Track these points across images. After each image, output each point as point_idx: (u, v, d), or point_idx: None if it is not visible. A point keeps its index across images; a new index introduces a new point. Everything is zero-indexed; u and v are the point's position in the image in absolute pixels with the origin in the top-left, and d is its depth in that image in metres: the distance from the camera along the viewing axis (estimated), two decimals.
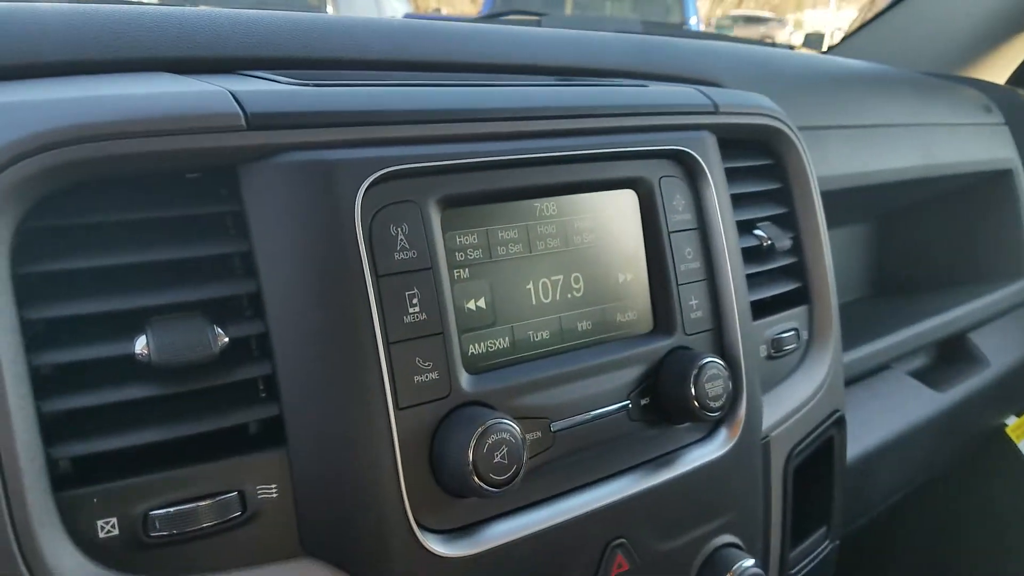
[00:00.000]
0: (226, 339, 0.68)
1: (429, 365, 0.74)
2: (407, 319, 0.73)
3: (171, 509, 0.65)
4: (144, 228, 0.67)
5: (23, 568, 0.59)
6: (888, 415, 1.56)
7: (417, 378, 0.73)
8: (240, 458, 0.69)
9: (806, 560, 1.16)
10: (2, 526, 0.59)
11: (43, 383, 0.63)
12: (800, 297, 1.16)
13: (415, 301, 0.74)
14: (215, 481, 0.67)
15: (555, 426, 0.81)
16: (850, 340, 1.65)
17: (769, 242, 1.10)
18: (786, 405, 1.09)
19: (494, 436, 0.72)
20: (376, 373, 0.70)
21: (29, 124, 0.61)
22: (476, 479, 0.72)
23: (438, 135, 0.77)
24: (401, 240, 0.74)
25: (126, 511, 0.64)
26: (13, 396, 0.60)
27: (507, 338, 0.81)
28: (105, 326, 0.65)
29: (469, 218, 0.80)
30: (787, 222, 1.16)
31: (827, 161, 1.50)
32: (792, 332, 1.12)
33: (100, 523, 0.64)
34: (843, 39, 2.29)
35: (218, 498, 0.67)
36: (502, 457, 0.73)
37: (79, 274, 0.65)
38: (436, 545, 0.73)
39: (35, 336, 0.63)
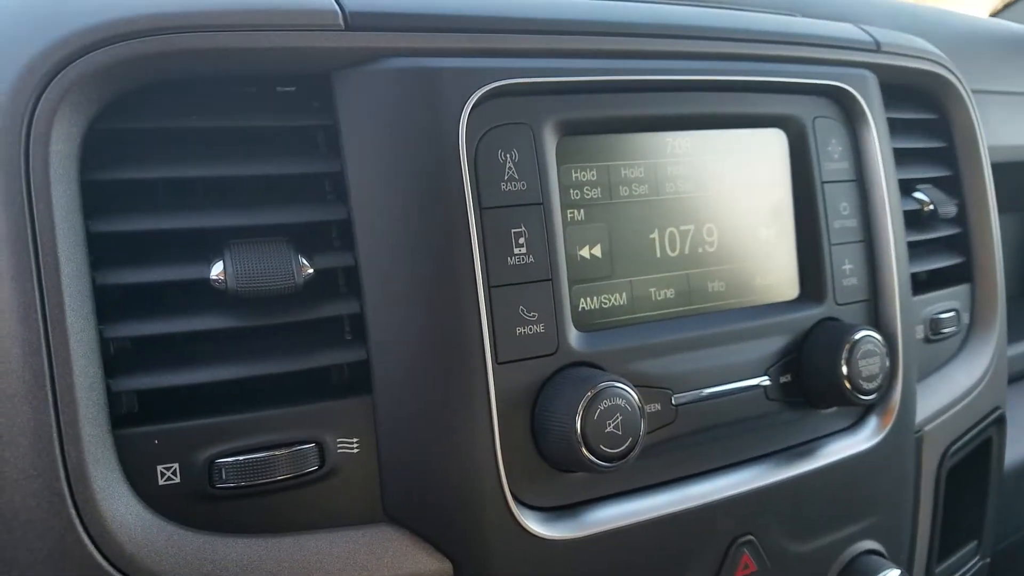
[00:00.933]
0: (311, 270, 0.60)
1: (535, 316, 0.64)
2: (512, 261, 0.64)
3: (240, 457, 0.58)
4: (226, 139, 0.60)
5: (73, 512, 0.53)
6: None
7: (520, 330, 0.64)
8: (320, 405, 0.61)
9: None
10: (52, 463, 0.52)
11: (107, 305, 0.56)
12: (962, 274, 1.02)
13: (522, 241, 0.64)
14: (291, 430, 0.60)
15: (677, 399, 0.71)
16: (1011, 332, 1.48)
17: (931, 207, 0.96)
18: (943, 396, 0.95)
19: (607, 401, 0.62)
20: (475, 320, 0.61)
21: (104, 10, 0.54)
22: (584, 450, 0.62)
23: (559, 48, 0.67)
24: (510, 168, 0.64)
25: (190, 456, 0.57)
26: (73, 317, 0.53)
27: (625, 294, 0.71)
28: (179, 246, 0.58)
29: (588, 150, 0.69)
30: (951, 187, 1.01)
31: (990, 130, 1.33)
32: (952, 313, 0.98)
33: (161, 468, 0.57)
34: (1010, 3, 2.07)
35: (294, 448, 0.59)
36: (616, 427, 0.62)
37: (152, 185, 0.58)
38: (535, 524, 0.64)
39: (101, 252, 0.56)
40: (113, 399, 0.56)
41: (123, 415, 0.57)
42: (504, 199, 0.64)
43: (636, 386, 0.67)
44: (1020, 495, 1.26)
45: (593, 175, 0.70)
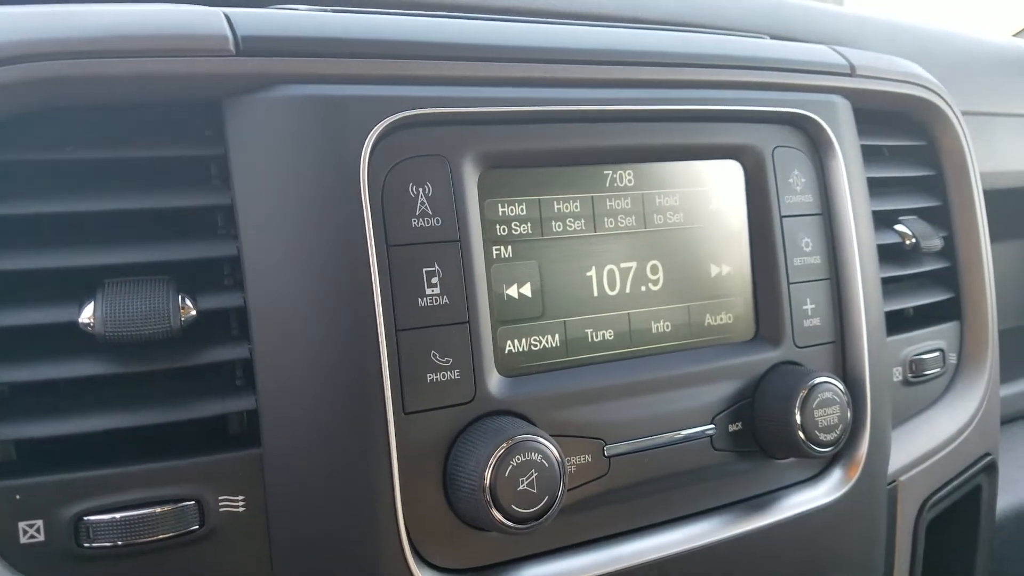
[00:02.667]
0: (193, 311, 0.54)
1: (448, 361, 0.58)
2: (423, 302, 0.58)
3: (111, 515, 0.52)
4: (107, 171, 0.55)
5: None
6: None
7: (432, 376, 0.58)
8: (202, 459, 0.55)
9: None
10: None
11: None
12: (950, 311, 0.93)
13: (435, 280, 0.58)
14: (169, 485, 0.54)
15: (611, 449, 0.64)
16: (1010, 371, 1.38)
17: (913, 240, 0.88)
18: (923, 443, 0.87)
19: (521, 456, 0.56)
20: (375, 366, 0.55)
21: None
22: (494, 510, 0.55)
23: (481, 76, 0.61)
24: (422, 203, 0.58)
25: (55, 513, 0.52)
26: None
27: (558, 336, 0.65)
28: (49, 286, 0.53)
29: (516, 183, 0.63)
30: (938, 218, 0.94)
31: (995, 154, 1.24)
32: (936, 353, 0.90)
33: (23, 525, 0.52)
34: None
35: (171, 506, 0.54)
36: (530, 485, 0.56)
37: (22, 221, 0.53)
38: None
39: None
40: None
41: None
42: (414, 236, 0.58)
43: (564, 437, 0.61)
44: (1019, 545, 1.17)
45: (522, 210, 0.63)
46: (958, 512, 0.94)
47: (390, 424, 0.56)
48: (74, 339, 0.53)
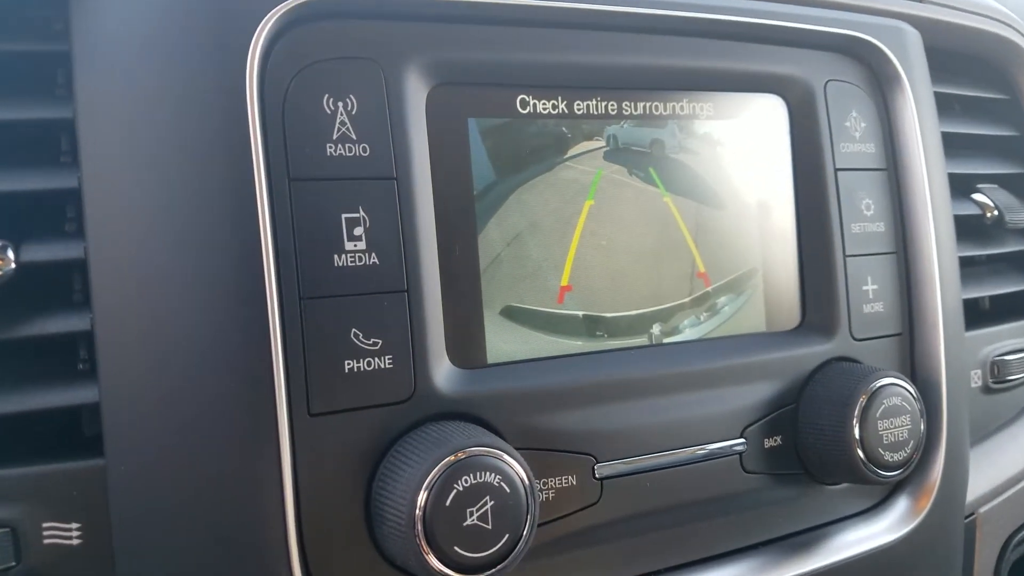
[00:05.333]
0: (12, 264, 0.39)
1: (376, 344, 0.42)
2: (341, 261, 0.42)
3: None
4: None
5: None
6: None
7: (352, 364, 0.42)
8: (22, 471, 0.41)
9: None
10: None
11: None
12: None
13: (358, 231, 0.42)
14: None
15: (603, 469, 0.48)
16: None
17: (996, 213, 0.73)
18: (1007, 466, 0.72)
19: (470, 476, 0.40)
20: (265, 347, 0.39)
21: None
22: (428, 553, 0.39)
23: None
24: (343, 124, 0.42)
25: None
26: None
27: (536, 315, 0.48)
28: None
29: (483, 106, 0.47)
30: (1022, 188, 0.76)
31: None
32: (1023, 354, 0.72)
33: None
34: None
35: None
36: (483, 517, 0.40)
37: None
38: None
39: None
40: None
41: None
42: (330, 168, 0.42)
43: (540, 450, 0.46)
44: None
45: (492, 141, 0.47)
46: None
47: (283, 429, 0.41)
48: None
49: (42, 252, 0.40)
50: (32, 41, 0.42)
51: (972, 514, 0.67)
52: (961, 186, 0.73)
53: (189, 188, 0.39)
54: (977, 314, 0.75)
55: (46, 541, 0.40)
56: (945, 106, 0.75)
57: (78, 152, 0.40)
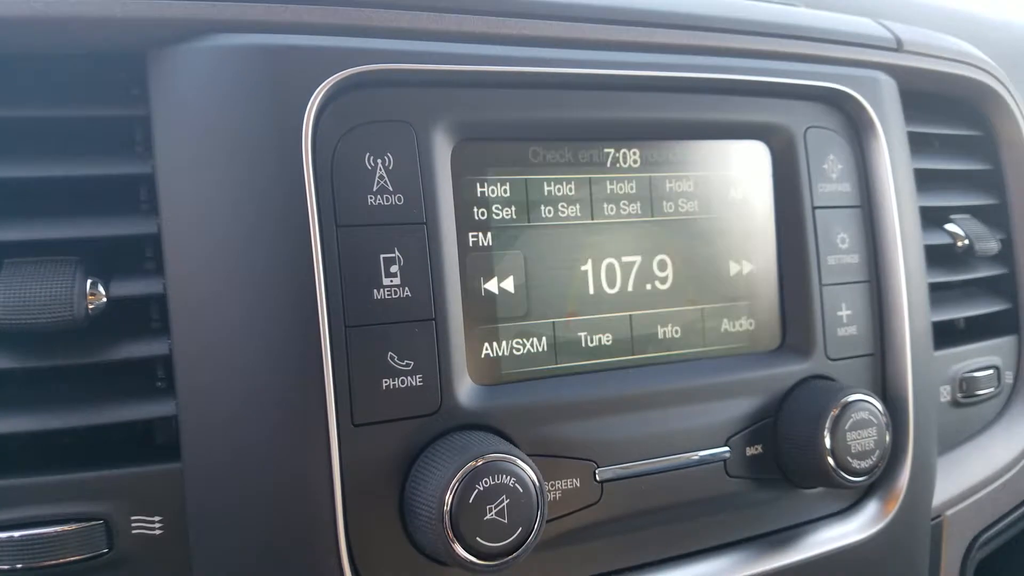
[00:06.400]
0: (104, 298, 0.45)
1: (408, 365, 0.49)
2: (380, 294, 0.48)
3: (10, 533, 0.45)
4: (11, 132, 0.46)
5: None
6: None
7: (388, 382, 0.48)
8: (114, 472, 0.47)
9: None
10: None
11: None
12: (1006, 324, 0.82)
13: (394, 269, 0.48)
14: (73, 502, 0.46)
15: (603, 473, 0.54)
16: None
17: (966, 242, 0.77)
18: (973, 473, 0.77)
19: (490, 479, 0.47)
20: (317, 368, 0.46)
21: None
22: (455, 543, 0.45)
23: (458, 30, 0.51)
24: (381, 178, 0.49)
25: None
26: None
27: (544, 339, 0.55)
28: None
29: (499, 159, 0.53)
30: (995, 218, 0.82)
31: None
32: (990, 371, 0.79)
33: None
34: None
35: (77, 525, 0.45)
36: (500, 513, 0.46)
37: None
38: None
39: None
40: None
41: None
42: (370, 216, 0.48)
43: (547, 457, 0.51)
44: None
45: (506, 191, 0.54)
46: (1012, 552, 0.82)
47: (333, 438, 0.46)
48: None
49: (128, 288, 0.46)
50: (113, 106, 0.48)
51: (938, 516, 0.71)
52: (936, 217, 0.77)
53: (253, 233, 0.46)
54: (953, 334, 0.79)
55: (134, 531, 0.46)
56: (924, 144, 0.79)
57: (158, 203, 0.47)
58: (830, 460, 0.58)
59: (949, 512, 0.72)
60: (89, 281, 0.45)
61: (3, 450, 0.45)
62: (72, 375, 0.46)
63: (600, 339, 0.57)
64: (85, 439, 0.46)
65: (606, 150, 0.57)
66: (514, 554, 0.47)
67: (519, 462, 0.48)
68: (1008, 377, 0.81)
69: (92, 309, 0.45)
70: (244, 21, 0.47)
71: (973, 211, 0.81)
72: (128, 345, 0.46)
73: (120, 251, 0.48)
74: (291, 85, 0.46)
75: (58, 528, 0.45)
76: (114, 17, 0.45)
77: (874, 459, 0.59)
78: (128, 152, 0.48)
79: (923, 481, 0.67)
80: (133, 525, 0.46)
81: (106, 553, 0.46)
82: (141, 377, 0.48)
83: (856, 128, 0.65)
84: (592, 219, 0.56)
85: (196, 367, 0.46)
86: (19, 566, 0.44)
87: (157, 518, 0.47)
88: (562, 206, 0.55)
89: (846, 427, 0.58)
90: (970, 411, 0.78)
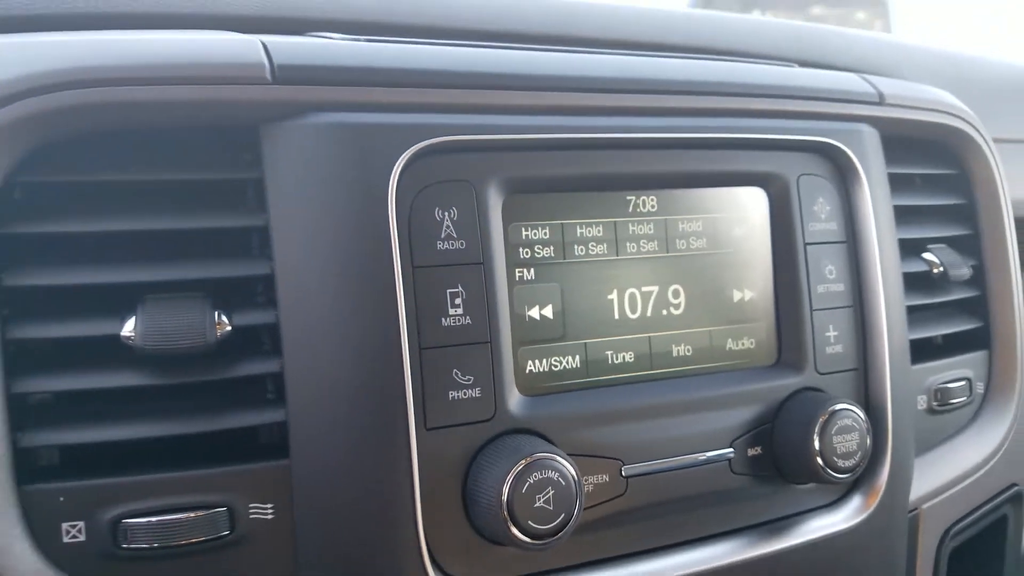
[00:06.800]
0: (228, 327, 0.56)
1: (470, 380, 0.59)
2: (446, 322, 0.58)
3: (147, 519, 0.54)
4: (148, 192, 0.57)
5: None
6: None
7: (453, 394, 0.58)
8: (234, 468, 0.56)
9: None
10: None
11: (15, 359, 0.53)
12: (978, 341, 0.91)
13: (458, 301, 0.59)
14: (202, 492, 0.55)
15: (628, 470, 0.64)
16: None
17: (941, 269, 0.86)
18: (947, 472, 0.85)
19: (538, 474, 0.56)
20: (399, 383, 0.56)
21: (13, 64, 0.52)
22: (511, 526, 0.56)
23: (503, 104, 0.62)
24: (447, 227, 0.59)
25: (96, 515, 0.53)
26: None
27: (578, 357, 0.65)
28: (92, 302, 0.55)
29: (539, 208, 0.64)
30: (968, 247, 0.91)
31: None
32: (963, 383, 0.87)
33: (66, 526, 0.53)
34: None
35: (205, 511, 0.55)
36: (546, 501, 0.56)
37: (68, 239, 0.55)
38: None
39: (14, 306, 0.53)
40: (24, 454, 0.53)
41: (35, 470, 0.54)
42: (439, 258, 0.59)
43: (583, 456, 0.61)
44: None
45: (545, 233, 0.64)
46: (983, 542, 0.91)
47: (412, 439, 0.56)
48: (116, 351, 0.54)
49: (247, 318, 0.56)
50: (231, 171, 0.58)
51: (915, 509, 0.79)
52: (915, 247, 0.86)
53: (348, 273, 0.56)
54: (931, 349, 0.87)
55: (251, 516, 0.55)
56: (907, 182, 0.87)
57: (271, 249, 0.57)
58: (819, 460, 0.67)
59: (925, 505, 0.81)
60: (216, 313, 0.56)
61: (144, 451, 0.55)
62: (200, 389, 0.57)
63: (624, 357, 0.67)
64: (209, 442, 0.57)
65: (628, 198, 0.67)
66: (559, 535, 0.57)
67: (561, 460, 0.58)
68: (980, 388, 0.90)
69: (220, 336, 0.56)
70: (339, 102, 0.57)
71: (949, 241, 0.89)
72: (246, 364, 0.57)
73: (233, 288, 0.58)
74: (379, 154, 0.56)
75: (189, 514, 0.55)
76: (237, 100, 0.55)
77: (857, 459, 0.69)
78: (243, 208, 0.58)
79: (901, 478, 0.76)
80: (250, 511, 0.56)
81: (228, 534, 0.55)
82: (255, 390, 0.58)
83: (842, 174, 0.75)
84: (617, 256, 0.67)
85: (303, 382, 0.56)
86: (155, 545, 0.55)
87: (269, 505, 0.57)
88: (592, 245, 0.66)
89: (832, 431, 0.67)
90: (945, 418, 0.86)
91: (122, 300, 0.55)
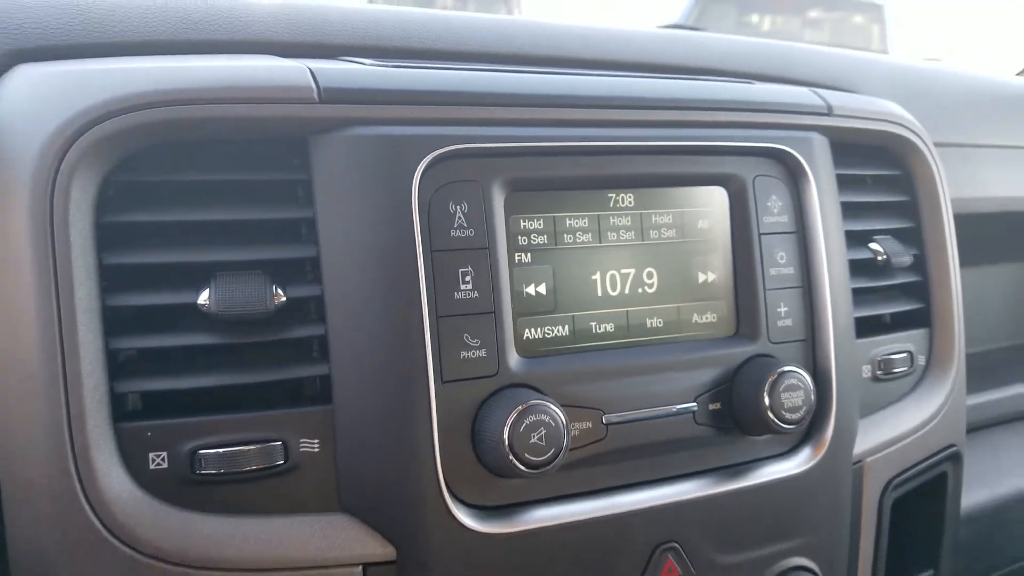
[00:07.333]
0: (283, 298, 0.69)
1: (477, 343, 0.71)
2: (458, 295, 0.71)
3: (219, 450, 0.66)
4: (218, 189, 0.69)
5: (77, 486, 0.62)
6: None
7: (464, 354, 0.71)
8: (288, 411, 0.68)
9: None
10: (61, 447, 0.62)
11: (114, 323, 0.66)
12: (921, 320, 1.03)
13: (468, 279, 0.71)
14: (262, 429, 0.68)
15: (608, 418, 0.76)
16: (1005, 379, 1.47)
17: (885, 256, 0.98)
18: (889, 432, 0.96)
19: (533, 416, 0.69)
20: (420, 345, 0.69)
21: (112, 88, 0.65)
22: (512, 457, 0.68)
23: (505, 118, 0.74)
24: (459, 218, 0.71)
25: (177, 447, 0.66)
26: (84, 331, 0.63)
27: (567, 327, 0.77)
28: (175, 276, 0.68)
29: (535, 203, 0.76)
30: (911, 238, 1.03)
31: (981, 182, 1.34)
32: (904, 355, 0.99)
33: (152, 455, 0.66)
34: None
35: (263, 445, 0.68)
36: (540, 439, 0.69)
37: (155, 227, 0.68)
38: (468, 519, 0.70)
39: (112, 279, 0.66)
40: (119, 399, 0.66)
41: (127, 411, 0.66)
42: (453, 244, 0.71)
43: (569, 405, 0.73)
44: (996, 536, 1.25)
45: (540, 224, 0.76)
46: (926, 497, 1.03)
47: (431, 390, 0.69)
48: (193, 317, 0.67)
49: (298, 292, 0.69)
50: (284, 172, 0.70)
51: (859, 461, 0.89)
52: (862, 238, 0.97)
53: (379, 254, 0.68)
54: (881, 327, 0.98)
55: (301, 449, 0.67)
56: (859, 182, 0.98)
57: (317, 236, 0.70)
58: (769, 413, 0.78)
59: (869, 459, 0.91)
60: (273, 287, 0.69)
61: (216, 397, 0.68)
62: (260, 348, 0.69)
63: (606, 327, 0.79)
64: (267, 391, 0.69)
65: (609, 195, 0.79)
66: (550, 465, 0.69)
67: (552, 406, 0.70)
68: (920, 360, 1.01)
69: (277, 304, 0.68)
70: (372, 118, 0.69)
71: (894, 232, 1.01)
72: (297, 328, 0.69)
73: (287, 267, 0.71)
74: (404, 160, 0.69)
75: (251, 447, 0.67)
76: (290, 117, 0.68)
77: (802, 412, 0.80)
78: (294, 203, 0.71)
79: (845, 433, 0.87)
80: (301, 445, 0.69)
81: (282, 464, 0.68)
82: (303, 350, 0.71)
83: (793, 175, 0.86)
84: (600, 243, 0.79)
85: (343, 343, 0.69)
86: (223, 471, 0.67)
87: (316, 441, 0.69)
88: (579, 234, 0.78)
89: (781, 389, 0.78)
90: (888, 385, 0.97)
91: (198, 276, 0.68)
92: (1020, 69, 2.16)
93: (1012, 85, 1.54)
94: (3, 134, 0.65)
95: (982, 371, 1.38)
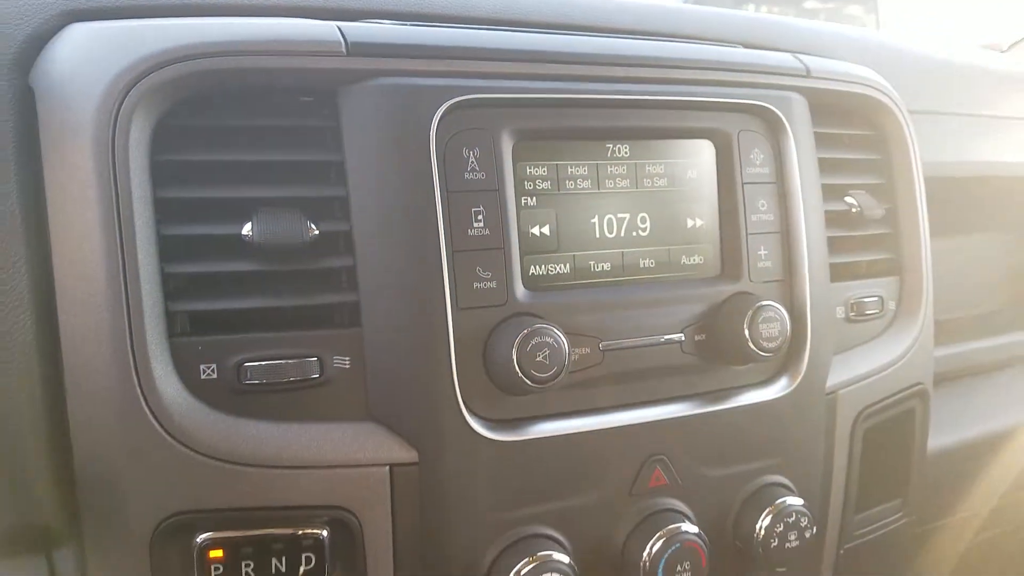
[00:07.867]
0: (316, 231, 0.76)
1: (488, 275, 0.79)
2: (471, 232, 0.79)
3: (261, 363, 0.74)
4: (259, 133, 0.77)
5: (138, 391, 0.70)
6: (1013, 408, 1.44)
7: (476, 284, 0.79)
8: (323, 332, 0.75)
9: (871, 527, 1.11)
10: (125, 357, 0.70)
11: (168, 250, 0.74)
12: (892, 268, 1.11)
13: (480, 218, 0.79)
14: (300, 347, 0.76)
15: (604, 345, 0.84)
16: (980, 331, 1.54)
17: (858, 208, 1.06)
18: (861, 367, 1.03)
19: (537, 338, 0.77)
20: (438, 275, 0.76)
21: (165, 40, 0.72)
22: (519, 373, 0.76)
23: (514, 72, 0.82)
24: (472, 162, 0.79)
25: (224, 360, 0.74)
26: (143, 256, 0.71)
27: (568, 264, 0.85)
28: (222, 210, 0.75)
29: (540, 151, 0.84)
30: (883, 193, 1.11)
31: (952, 147, 1.41)
32: (876, 298, 1.07)
33: (203, 367, 0.74)
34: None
35: (301, 360, 0.75)
36: (544, 358, 0.77)
37: (205, 165, 0.75)
38: (481, 428, 0.78)
39: (166, 212, 0.74)
40: (173, 317, 0.74)
41: (177, 328, 0.74)
42: (466, 185, 0.79)
43: (570, 333, 0.81)
44: (967, 474, 1.33)
45: (544, 171, 0.84)
46: (895, 431, 1.10)
47: (448, 315, 0.76)
48: (238, 246, 0.75)
49: (329, 226, 0.76)
50: (316, 119, 0.78)
51: (833, 392, 0.97)
52: (838, 191, 1.04)
53: (401, 194, 0.76)
54: (857, 273, 1.07)
55: (334, 365, 0.75)
56: (837, 140, 1.05)
57: (346, 176, 0.78)
58: (749, 343, 0.87)
59: (842, 391, 0.99)
60: (307, 221, 0.77)
61: (259, 318, 0.76)
62: (296, 275, 0.77)
63: (603, 266, 0.87)
64: (304, 314, 0.77)
65: (607, 145, 0.87)
66: (554, 380, 0.77)
67: (555, 330, 0.78)
68: (891, 305, 1.08)
69: (311, 237, 0.76)
70: (394, 70, 0.77)
71: (867, 188, 1.08)
72: (329, 259, 0.77)
73: (319, 204, 0.79)
74: (423, 109, 0.76)
75: (291, 361, 0.75)
76: (321, 69, 0.75)
77: (778, 342, 0.88)
78: (325, 147, 0.78)
79: (819, 366, 0.94)
80: (334, 361, 0.76)
81: (317, 377, 0.75)
82: (335, 278, 0.79)
83: (774, 131, 0.93)
84: (599, 190, 0.86)
85: (370, 272, 0.76)
86: (266, 382, 0.75)
87: (347, 358, 0.77)
88: (579, 181, 0.85)
89: (759, 321, 0.86)
90: (861, 326, 1.05)
91: (242, 210, 0.75)
92: (1008, 45, 2.22)
93: (983, 57, 1.61)
94: (66, 81, 0.72)
95: (954, 332, 1.46)
